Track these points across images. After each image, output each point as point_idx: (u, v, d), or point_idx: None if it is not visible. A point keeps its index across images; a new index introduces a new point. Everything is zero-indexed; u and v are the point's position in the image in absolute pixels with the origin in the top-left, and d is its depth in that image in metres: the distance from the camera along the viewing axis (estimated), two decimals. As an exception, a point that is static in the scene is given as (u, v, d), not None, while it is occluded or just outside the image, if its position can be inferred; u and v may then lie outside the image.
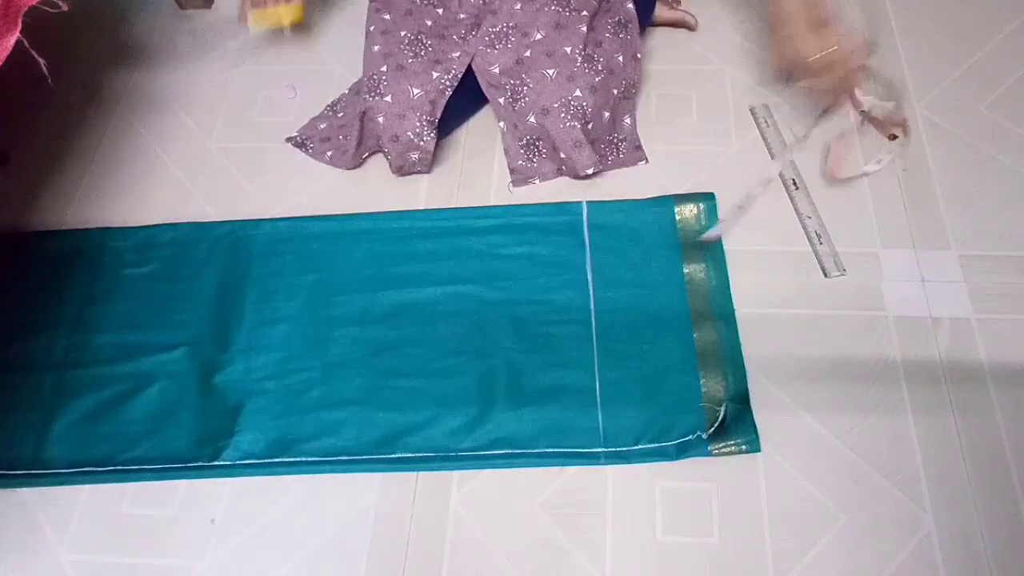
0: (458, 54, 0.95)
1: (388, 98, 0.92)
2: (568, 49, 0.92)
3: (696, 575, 0.71)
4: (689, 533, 0.73)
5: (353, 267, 0.90)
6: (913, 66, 1.02)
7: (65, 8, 0.66)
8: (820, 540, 0.71)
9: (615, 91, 0.95)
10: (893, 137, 0.94)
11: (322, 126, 0.99)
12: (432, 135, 0.93)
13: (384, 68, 0.93)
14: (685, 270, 0.87)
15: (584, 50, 0.93)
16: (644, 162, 0.96)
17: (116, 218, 0.98)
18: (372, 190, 0.98)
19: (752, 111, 1.00)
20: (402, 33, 0.96)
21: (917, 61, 1.03)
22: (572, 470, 0.77)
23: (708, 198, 0.91)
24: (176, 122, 1.07)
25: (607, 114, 0.94)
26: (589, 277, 0.86)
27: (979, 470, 0.74)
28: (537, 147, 0.95)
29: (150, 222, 0.96)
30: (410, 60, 0.94)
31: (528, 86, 0.93)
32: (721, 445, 0.76)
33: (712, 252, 0.88)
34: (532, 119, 0.93)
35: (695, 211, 0.91)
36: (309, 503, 0.77)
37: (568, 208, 0.91)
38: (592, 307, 0.84)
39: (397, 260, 0.90)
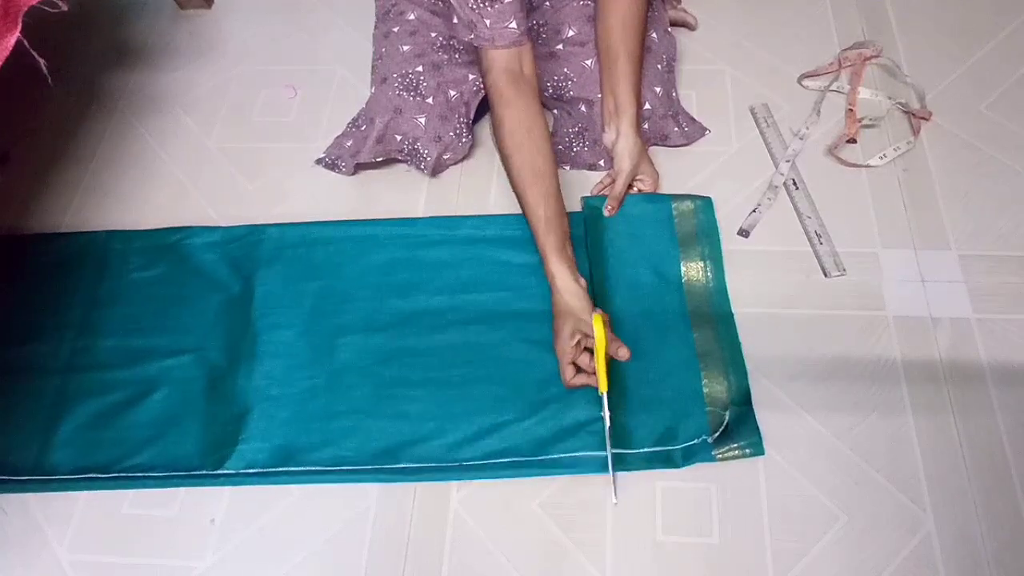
0: None
1: (430, 100, 0.92)
2: None
3: (696, 575, 0.71)
4: (689, 533, 0.73)
5: (360, 274, 0.89)
6: (913, 66, 1.02)
7: (65, 8, 0.66)
8: (820, 540, 0.71)
9: (659, 66, 0.95)
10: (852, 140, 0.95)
11: (348, 143, 0.98)
12: (469, 136, 0.95)
13: (420, 68, 0.93)
14: (683, 269, 0.86)
15: None
16: (708, 132, 0.98)
17: (116, 218, 0.98)
18: (373, 191, 0.97)
19: (752, 111, 1.00)
20: (433, 35, 0.96)
21: (917, 61, 1.03)
22: (572, 470, 0.77)
23: (704, 199, 0.91)
24: (176, 122, 1.07)
25: (659, 89, 0.94)
26: (591, 283, 0.86)
27: (979, 470, 0.74)
28: (583, 136, 0.95)
29: (150, 222, 0.96)
30: (445, 60, 0.94)
31: (572, 80, 0.93)
32: (725, 449, 0.76)
33: (710, 251, 0.88)
34: (583, 108, 0.94)
35: (691, 208, 0.90)
36: (309, 503, 0.77)
37: (574, 218, 0.90)
38: None
39: (403, 268, 0.89)
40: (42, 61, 0.64)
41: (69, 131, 1.07)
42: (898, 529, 0.71)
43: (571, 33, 0.94)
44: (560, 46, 0.95)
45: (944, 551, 0.70)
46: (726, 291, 0.85)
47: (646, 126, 0.93)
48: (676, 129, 0.96)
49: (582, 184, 0.95)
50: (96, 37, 1.19)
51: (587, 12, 0.95)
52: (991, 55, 1.03)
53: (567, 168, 0.96)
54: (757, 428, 0.76)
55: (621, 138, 0.88)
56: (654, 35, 0.96)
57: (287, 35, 1.16)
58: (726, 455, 0.75)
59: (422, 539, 0.74)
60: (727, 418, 0.76)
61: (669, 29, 1.01)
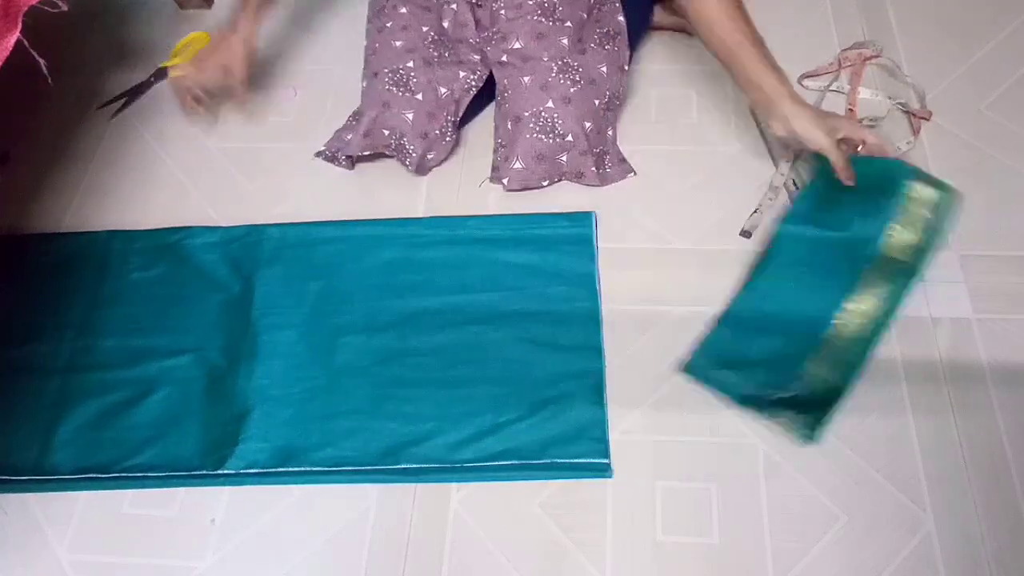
0: (478, 58, 0.95)
1: (419, 96, 0.92)
2: (545, 57, 0.92)
3: (696, 575, 0.71)
4: (689, 533, 0.73)
5: (360, 274, 0.89)
6: (913, 66, 1.02)
7: (65, 8, 0.66)
8: (820, 540, 0.71)
9: (596, 101, 0.93)
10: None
11: (348, 136, 0.98)
12: (453, 136, 0.94)
13: (411, 64, 0.93)
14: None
15: (562, 60, 0.91)
16: (632, 174, 0.95)
17: (116, 218, 0.98)
18: (372, 190, 0.98)
19: (752, 111, 1.00)
20: (425, 28, 0.96)
21: (917, 61, 1.03)
22: (572, 470, 0.77)
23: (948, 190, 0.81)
24: (176, 122, 1.07)
25: (589, 124, 0.91)
26: (599, 286, 0.86)
27: (979, 470, 0.74)
28: (497, 153, 0.95)
29: (151, 222, 0.96)
30: (435, 57, 0.94)
31: (506, 93, 0.93)
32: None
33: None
34: (509, 125, 0.93)
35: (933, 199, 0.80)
36: (309, 503, 0.77)
37: (577, 218, 0.91)
38: (602, 315, 0.84)
39: (405, 268, 0.89)
40: (42, 61, 0.64)
41: (69, 131, 1.07)
42: (898, 529, 0.71)
43: (517, 45, 0.93)
44: (504, 57, 0.94)
45: (944, 551, 0.70)
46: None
47: (564, 158, 0.91)
48: (593, 169, 0.93)
49: (585, 190, 0.95)
50: (96, 37, 1.19)
51: (538, 29, 0.93)
52: (991, 55, 1.03)
53: (503, 182, 0.93)
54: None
55: (796, 120, 0.79)
56: (604, 70, 0.93)
57: (287, 35, 1.16)
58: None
59: (422, 539, 0.74)
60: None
61: (626, 67, 0.96)
